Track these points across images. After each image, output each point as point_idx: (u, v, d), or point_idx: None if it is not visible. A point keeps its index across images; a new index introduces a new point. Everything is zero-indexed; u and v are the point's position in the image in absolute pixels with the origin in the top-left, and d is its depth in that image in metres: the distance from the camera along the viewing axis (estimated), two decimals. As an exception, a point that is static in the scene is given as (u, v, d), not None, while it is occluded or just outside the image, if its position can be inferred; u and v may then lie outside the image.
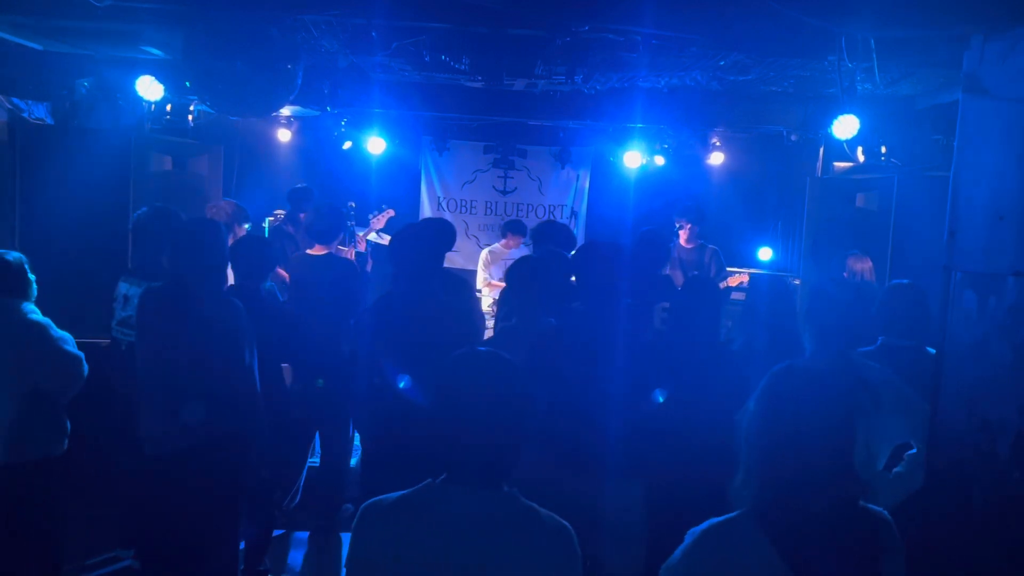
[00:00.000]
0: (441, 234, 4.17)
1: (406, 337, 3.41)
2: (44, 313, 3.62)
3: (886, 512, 1.72)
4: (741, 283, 6.41)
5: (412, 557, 1.67)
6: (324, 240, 4.99)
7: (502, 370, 1.76)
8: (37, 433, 3.57)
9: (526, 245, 6.82)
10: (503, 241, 7.29)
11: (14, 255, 3.62)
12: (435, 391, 1.76)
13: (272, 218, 7.20)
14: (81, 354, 3.63)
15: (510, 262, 3.90)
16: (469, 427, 1.70)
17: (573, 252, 3.82)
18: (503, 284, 4.78)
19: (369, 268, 6.54)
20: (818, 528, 1.60)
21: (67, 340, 3.60)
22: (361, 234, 6.58)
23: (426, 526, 1.68)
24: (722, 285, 6.23)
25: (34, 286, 3.67)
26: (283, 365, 4.28)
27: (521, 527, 1.69)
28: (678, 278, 5.81)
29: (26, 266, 3.64)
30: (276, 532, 4.64)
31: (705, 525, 1.70)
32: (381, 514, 1.73)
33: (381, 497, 1.76)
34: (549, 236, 4.57)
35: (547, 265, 3.54)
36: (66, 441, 3.68)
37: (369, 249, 6.80)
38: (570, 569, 1.71)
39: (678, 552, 1.70)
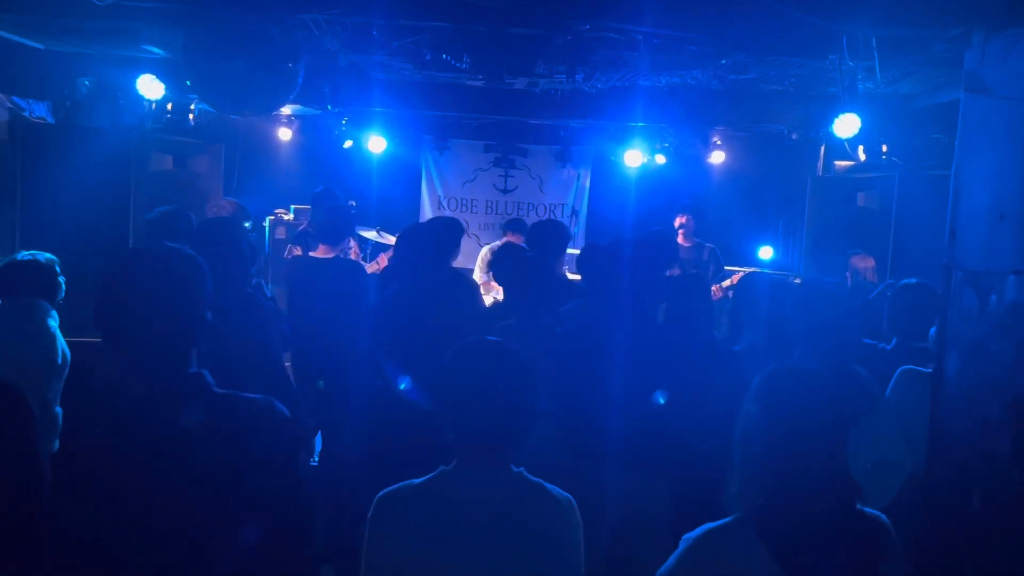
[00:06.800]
0: (449, 233, 4.16)
1: (410, 337, 3.40)
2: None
3: (883, 516, 1.71)
4: (731, 284, 6.35)
5: (434, 543, 1.72)
6: (331, 242, 4.93)
7: (505, 357, 1.83)
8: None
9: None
10: (504, 240, 7.27)
11: (46, 256, 3.62)
12: (442, 380, 1.82)
13: (272, 217, 7.20)
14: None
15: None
16: (478, 413, 1.77)
17: (572, 250, 3.81)
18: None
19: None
20: (814, 532, 1.58)
21: (67, 356, 3.60)
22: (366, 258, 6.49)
23: (445, 512, 1.74)
24: (724, 284, 6.21)
25: (62, 289, 3.66)
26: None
27: (533, 503, 1.79)
28: (677, 277, 5.80)
29: (56, 267, 3.64)
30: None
31: (700, 530, 1.68)
32: (399, 504, 1.78)
33: (397, 487, 1.81)
34: (545, 236, 4.55)
35: (542, 263, 3.54)
36: (57, 441, 3.67)
37: (368, 248, 6.79)
38: (574, 537, 1.81)
39: (672, 558, 1.68)
